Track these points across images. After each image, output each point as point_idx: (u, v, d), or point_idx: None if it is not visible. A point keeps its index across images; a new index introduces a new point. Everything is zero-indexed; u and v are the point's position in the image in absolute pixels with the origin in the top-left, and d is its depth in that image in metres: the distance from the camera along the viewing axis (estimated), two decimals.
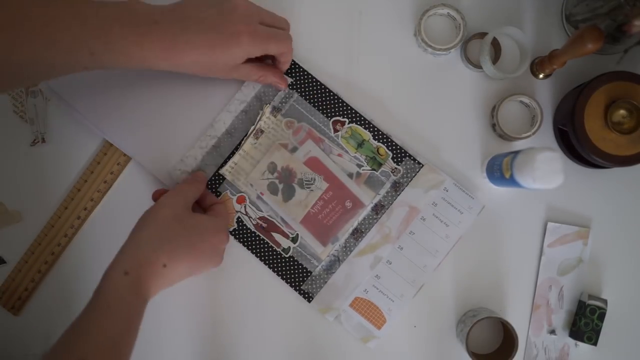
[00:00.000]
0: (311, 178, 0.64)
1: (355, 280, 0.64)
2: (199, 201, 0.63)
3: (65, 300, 0.65)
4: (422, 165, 0.64)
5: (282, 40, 0.60)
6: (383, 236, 0.64)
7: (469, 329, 0.59)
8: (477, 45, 0.65)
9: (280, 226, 0.64)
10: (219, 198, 0.64)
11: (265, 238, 0.64)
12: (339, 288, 0.64)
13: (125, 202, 0.65)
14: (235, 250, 0.64)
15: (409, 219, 0.64)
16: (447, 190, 0.64)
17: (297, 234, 0.64)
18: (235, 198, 0.64)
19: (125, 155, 0.65)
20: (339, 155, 0.64)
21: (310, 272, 0.64)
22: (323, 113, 0.64)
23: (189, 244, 0.55)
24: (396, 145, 0.64)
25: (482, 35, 0.65)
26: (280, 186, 0.64)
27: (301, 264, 0.64)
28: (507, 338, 0.62)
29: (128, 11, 0.52)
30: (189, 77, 0.61)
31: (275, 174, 0.64)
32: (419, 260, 0.64)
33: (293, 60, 0.64)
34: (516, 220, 0.65)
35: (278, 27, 0.60)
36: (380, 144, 0.64)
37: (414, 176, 0.64)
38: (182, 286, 0.57)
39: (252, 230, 0.64)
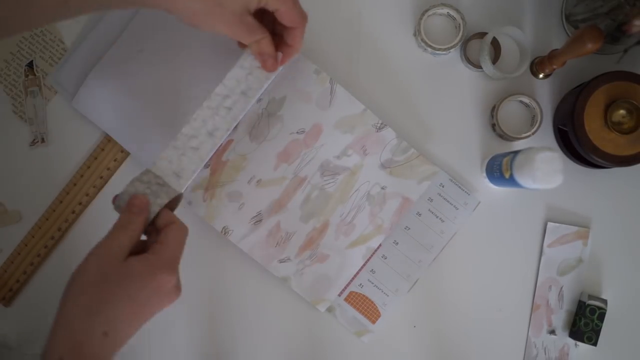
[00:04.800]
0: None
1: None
2: (154, 220, 0.52)
3: (57, 293, 0.65)
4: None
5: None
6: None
7: None
8: (477, 45, 0.65)
9: None
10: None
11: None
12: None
13: None
14: (230, 249, 0.64)
15: (402, 210, 0.64)
16: (442, 186, 0.64)
17: None
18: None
19: (122, 151, 0.65)
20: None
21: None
22: None
23: (128, 298, 0.46)
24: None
25: (482, 35, 0.65)
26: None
27: None
28: None
29: None
30: (193, 73, 0.60)
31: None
32: (414, 256, 0.64)
33: None
34: (516, 220, 0.65)
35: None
36: None
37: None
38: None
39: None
